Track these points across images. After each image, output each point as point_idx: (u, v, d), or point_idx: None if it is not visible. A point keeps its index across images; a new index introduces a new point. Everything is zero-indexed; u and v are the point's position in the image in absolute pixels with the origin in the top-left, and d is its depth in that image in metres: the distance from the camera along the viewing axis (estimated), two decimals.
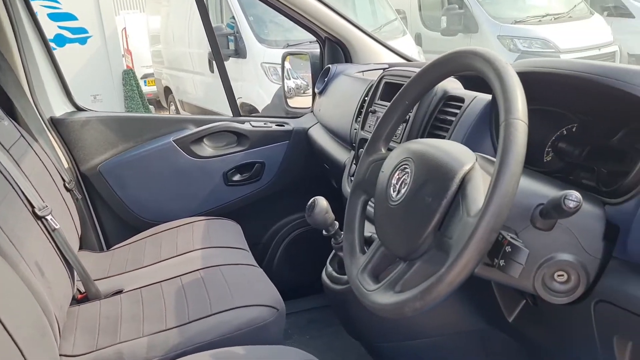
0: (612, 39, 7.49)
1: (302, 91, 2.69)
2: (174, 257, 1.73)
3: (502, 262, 0.76)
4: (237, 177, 2.18)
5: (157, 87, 8.38)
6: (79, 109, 2.14)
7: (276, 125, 2.24)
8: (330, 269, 1.35)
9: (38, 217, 1.48)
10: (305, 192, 2.30)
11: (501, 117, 0.74)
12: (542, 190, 0.85)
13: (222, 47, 5.58)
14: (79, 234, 1.89)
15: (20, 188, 1.46)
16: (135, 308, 1.46)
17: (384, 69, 2.10)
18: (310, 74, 2.55)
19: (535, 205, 0.82)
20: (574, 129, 1.07)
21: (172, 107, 7.80)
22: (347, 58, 2.23)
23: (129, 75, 6.96)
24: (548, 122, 1.09)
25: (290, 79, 2.73)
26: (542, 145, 1.10)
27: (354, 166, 1.60)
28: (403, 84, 1.22)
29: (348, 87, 1.90)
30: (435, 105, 1.27)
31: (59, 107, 2.07)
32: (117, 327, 1.39)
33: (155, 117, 2.16)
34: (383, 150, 1.06)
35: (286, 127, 2.23)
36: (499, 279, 0.83)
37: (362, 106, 1.64)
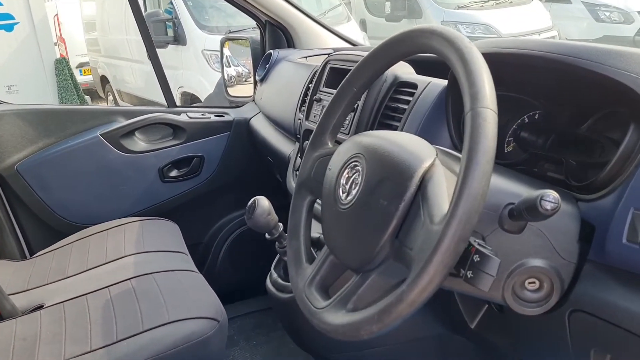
0: (551, 24, 7.63)
1: (243, 79, 2.55)
2: (102, 264, 1.56)
3: (469, 274, 0.65)
4: (173, 173, 2.01)
5: (94, 76, 7.97)
6: None
7: (215, 115, 2.08)
8: (275, 275, 1.22)
9: None
10: (248, 187, 2.17)
11: (466, 105, 0.63)
12: (511, 188, 0.75)
13: (160, 34, 5.33)
14: None
15: None
16: (57, 326, 1.29)
17: (328, 54, 1.99)
18: (251, 61, 2.42)
19: (504, 205, 0.72)
20: (536, 116, 0.97)
21: (110, 97, 7.45)
22: (290, 43, 2.10)
23: (62, 65, 6.55)
24: (508, 109, 0.99)
25: (230, 66, 2.58)
26: (502, 134, 1.00)
27: (299, 159, 1.47)
28: (350, 69, 1.10)
29: (291, 73, 1.76)
30: (386, 92, 1.16)
31: None
32: (34, 349, 1.22)
33: (79, 109, 1.96)
34: (330, 144, 0.94)
35: (226, 118, 2.07)
36: (466, 290, 0.73)
37: (306, 94, 1.51)
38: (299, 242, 0.91)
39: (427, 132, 1.02)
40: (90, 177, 1.91)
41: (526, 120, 0.98)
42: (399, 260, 0.69)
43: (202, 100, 5.23)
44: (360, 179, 0.76)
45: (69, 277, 1.54)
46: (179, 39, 5.51)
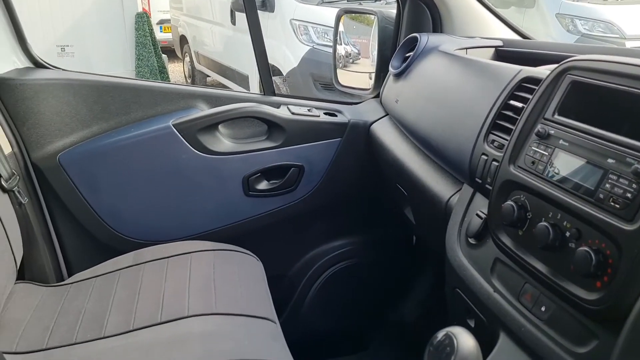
0: None
1: (351, 61, 2.04)
2: (153, 325, 1.06)
3: None
4: (262, 185, 1.50)
5: (173, 35, 7.61)
6: (39, 65, 1.44)
7: (325, 113, 1.54)
8: None
9: None
10: (356, 213, 1.63)
11: None
12: None
13: None
14: (20, 257, 1.24)
15: None
16: None
17: (497, 46, 1.41)
18: (369, 41, 1.88)
19: None
20: None
21: (187, 59, 7.08)
22: (437, 26, 1.52)
23: (142, 19, 6.19)
24: None
25: (341, 44, 2.05)
26: None
27: (475, 218, 0.91)
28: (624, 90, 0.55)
29: (457, 74, 1.19)
30: None
31: (6, 60, 1.38)
32: None
33: (150, 87, 1.46)
34: None
35: (339, 119, 1.53)
36: None
37: (501, 116, 0.93)
38: None
39: None
40: (152, 180, 1.42)
41: None
42: None
43: (284, 74, 4.76)
44: None
45: (106, 337, 1.06)
46: (267, 4, 5.06)
